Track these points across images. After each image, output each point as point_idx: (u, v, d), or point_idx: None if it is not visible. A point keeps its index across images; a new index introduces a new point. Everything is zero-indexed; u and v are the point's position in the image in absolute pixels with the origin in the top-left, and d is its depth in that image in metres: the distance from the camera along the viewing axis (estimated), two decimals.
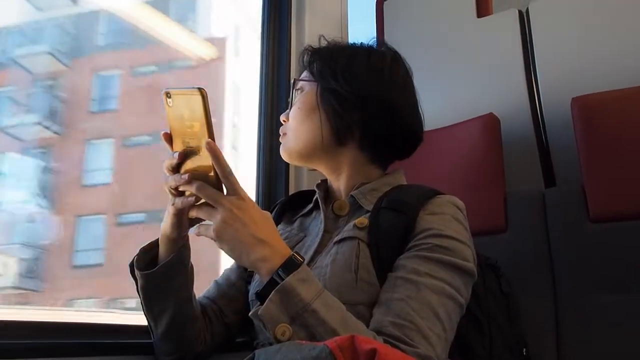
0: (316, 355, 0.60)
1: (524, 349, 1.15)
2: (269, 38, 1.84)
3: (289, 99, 1.16)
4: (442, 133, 1.61)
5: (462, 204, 1.05)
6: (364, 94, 1.07)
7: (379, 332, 0.87)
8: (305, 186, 1.70)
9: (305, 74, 1.15)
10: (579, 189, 1.38)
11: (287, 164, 1.68)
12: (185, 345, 1.09)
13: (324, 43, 1.16)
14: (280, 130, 1.17)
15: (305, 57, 1.15)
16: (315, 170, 1.18)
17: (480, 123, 1.55)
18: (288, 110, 1.15)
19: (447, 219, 1.00)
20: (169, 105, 0.88)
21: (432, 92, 1.75)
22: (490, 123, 1.54)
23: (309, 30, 1.84)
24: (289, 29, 1.84)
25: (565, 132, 1.49)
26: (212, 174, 0.88)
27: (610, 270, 1.30)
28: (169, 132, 0.92)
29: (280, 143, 1.16)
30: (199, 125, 0.86)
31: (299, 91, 1.14)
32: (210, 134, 0.86)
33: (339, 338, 0.61)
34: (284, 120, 1.16)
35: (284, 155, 1.15)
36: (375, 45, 1.16)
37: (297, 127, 1.11)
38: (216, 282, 1.21)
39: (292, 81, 1.18)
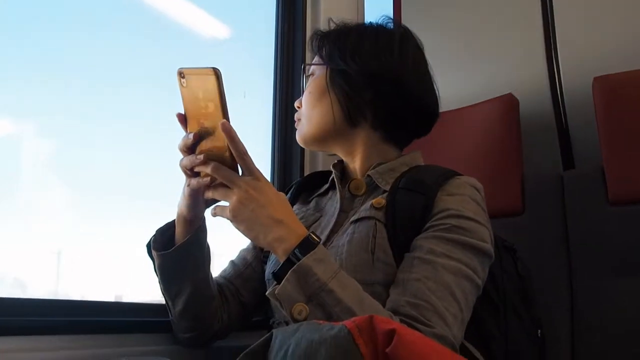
0: (334, 334, 0.60)
1: (539, 331, 1.14)
2: (284, 22, 1.81)
3: (302, 86, 1.16)
4: (460, 114, 1.60)
5: (481, 185, 1.05)
6: (373, 73, 1.06)
7: (395, 312, 0.87)
8: (320, 169, 1.70)
9: (315, 59, 1.15)
10: (599, 171, 1.37)
11: (303, 148, 1.68)
12: (202, 323, 1.10)
13: (333, 26, 1.15)
14: (295, 117, 1.17)
15: (315, 41, 1.15)
16: (333, 155, 1.18)
17: (498, 104, 1.53)
18: (301, 97, 1.15)
19: (465, 199, 0.99)
20: (182, 85, 0.88)
21: (450, 72, 1.74)
22: (508, 104, 1.52)
23: (325, 13, 1.81)
24: (304, 13, 1.81)
25: (585, 113, 1.47)
26: (227, 154, 0.88)
27: (628, 254, 1.28)
28: (183, 112, 0.92)
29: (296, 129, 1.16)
30: (214, 106, 0.86)
31: (311, 76, 1.14)
32: (225, 115, 0.86)
33: (357, 318, 0.60)
34: (297, 107, 1.16)
35: (299, 141, 1.15)
36: (384, 24, 1.15)
37: (309, 112, 1.11)
38: (232, 262, 1.22)
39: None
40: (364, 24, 1.16)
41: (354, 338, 0.58)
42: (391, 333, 0.57)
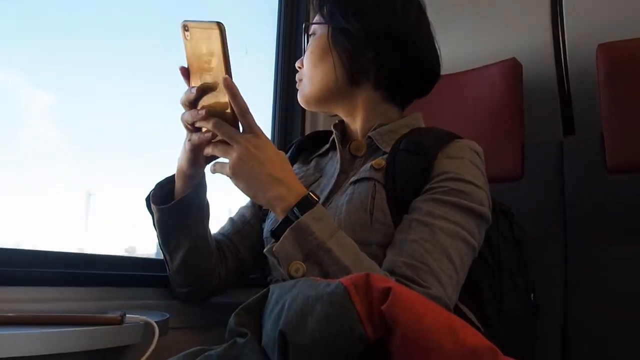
0: (331, 291, 0.60)
1: (532, 295, 1.16)
2: None
3: (303, 46, 1.14)
4: (463, 77, 1.58)
5: (480, 149, 1.05)
6: (375, 31, 1.05)
7: (391, 273, 0.88)
8: (321, 128, 1.69)
9: (316, 17, 1.13)
10: (598, 138, 1.37)
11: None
12: (200, 279, 1.11)
13: None
14: (296, 77, 1.15)
15: (316, 0, 1.12)
16: (334, 115, 1.17)
17: (501, 68, 1.52)
18: (302, 57, 1.14)
19: (465, 163, 0.99)
20: (186, 39, 0.87)
21: (453, 35, 1.71)
22: (512, 68, 1.51)
23: None
24: None
25: (588, 80, 1.45)
26: (229, 111, 0.88)
27: (624, 222, 1.29)
28: (186, 66, 0.91)
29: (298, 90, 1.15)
30: (217, 61, 0.85)
31: (312, 36, 1.12)
32: (228, 71, 0.85)
33: (354, 276, 0.61)
34: (298, 67, 1.15)
35: (301, 101, 1.14)
36: None
37: (311, 72, 1.10)
38: (231, 219, 1.23)
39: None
40: None
41: (350, 295, 0.59)
42: (387, 291, 0.57)
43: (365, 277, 0.60)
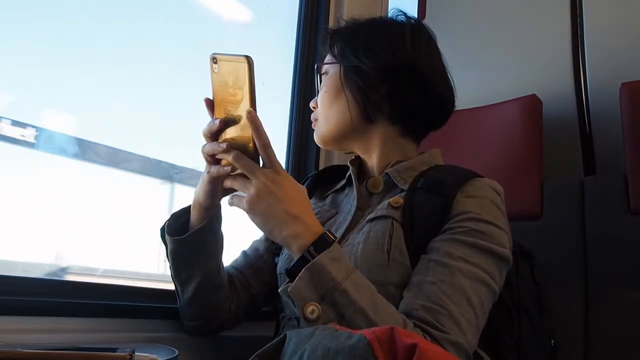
0: (353, 344, 0.57)
1: (552, 340, 1.13)
2: (306, 17, 1.78)
3: (316, 86, 1.15)
4: (482, 112, 1.56)
5: (501, 188, 1.02)
6: (387, 67, 1.04)
7: (409, 315, 0.85)
8: (336, 162, 1.68)
9: (328, 57, 1.13)
10: (621, 179, 1.34)
11: None
12: (211, 312, 1.09)
13: (343, 23, 1.14)
14: (311, 118, 1.15)
15: (326, 39, 1.13)
16: (350, 152, 1.16)
17: (521, 104, 1.50)
18: (316, 97, 1.13)
19: (486, 202, 0.97)
20: (214, 71, 0.88)
21: (474, 70, 1.70)
22: (532, 105, 1.49)
23: (348, 9, 1.76)
24: (327, 10, 1.77)
25: (610, 118, 1.43)
26: (250, 144, 0.87)
27: None
28: (211, 97, 0.91)
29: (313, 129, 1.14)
30: (242, 94, 0.85)
31: (324, 75, 1.12)
32: (253, 104, 0.85)
33: (377, 329, 0.58)
34: (313, 107, 1.14)
35: (317, 141, 1.13)
36: (395, 17, 1.12)
37: (326, 112, 1.10)
38: (244, 252, 1.21)
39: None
40: (374, 18, 1.14)
41: (373, 350, 0.56)
42: (412, 348, 0.55)
43: (390, 331, 0.57)
